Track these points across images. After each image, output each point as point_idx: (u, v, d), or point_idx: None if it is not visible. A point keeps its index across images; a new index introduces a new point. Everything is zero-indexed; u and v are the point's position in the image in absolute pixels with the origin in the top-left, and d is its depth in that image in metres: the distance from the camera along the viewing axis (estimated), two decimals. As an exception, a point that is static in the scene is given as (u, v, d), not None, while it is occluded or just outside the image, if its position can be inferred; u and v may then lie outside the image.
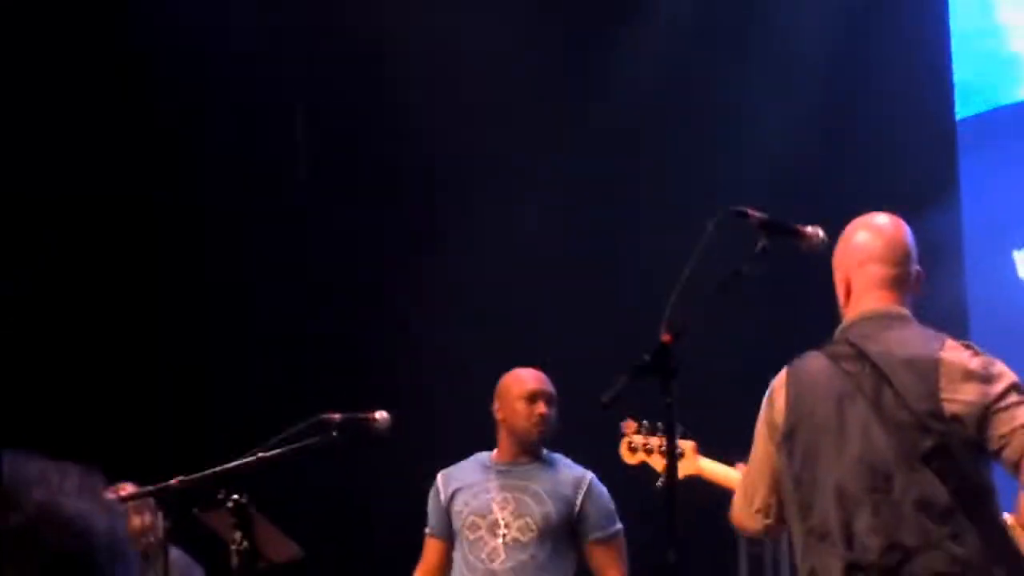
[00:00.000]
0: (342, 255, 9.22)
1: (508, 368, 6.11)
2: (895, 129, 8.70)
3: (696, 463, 4.76)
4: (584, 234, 9.02)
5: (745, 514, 4.43)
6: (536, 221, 8.87)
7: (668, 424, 3.94)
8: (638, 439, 4.97)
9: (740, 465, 4.61)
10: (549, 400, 5.95)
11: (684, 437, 4.66)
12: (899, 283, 4.33)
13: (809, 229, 4.18)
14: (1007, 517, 4.16)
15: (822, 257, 4.31)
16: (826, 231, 4.22)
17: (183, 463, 5.62)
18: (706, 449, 4.80)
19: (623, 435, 5.01)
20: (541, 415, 5.91)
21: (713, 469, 4.76)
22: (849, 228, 4.43)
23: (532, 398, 5.93)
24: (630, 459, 5.00)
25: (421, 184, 9.39)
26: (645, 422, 4.94)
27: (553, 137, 8.91)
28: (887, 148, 8.64)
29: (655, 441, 4.92)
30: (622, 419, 4.92)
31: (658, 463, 4.88)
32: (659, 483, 4.80)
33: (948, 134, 8.98)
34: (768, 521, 4.37)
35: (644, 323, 4.10)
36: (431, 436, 7.46)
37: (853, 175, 8.41)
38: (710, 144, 8.86)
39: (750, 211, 4.11)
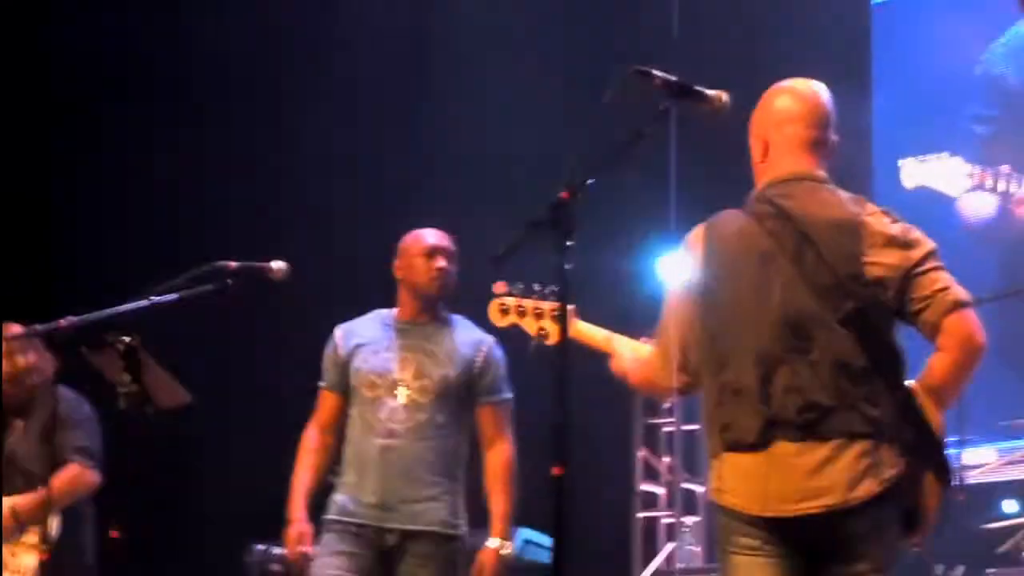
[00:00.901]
0: (240, 107, 9.14)
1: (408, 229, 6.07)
2: (808, 8, 8.68)
3: (574, 326, 4.61)
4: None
5: (663, 372, 4.40)
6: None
7: (562, 280, 3.93)
8: (510, 300, 4.81)
9: (645, 340, 4.59)
10: (449, 256, 5.92)
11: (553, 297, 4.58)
12: (818, 146, 4.34)
13: (712, 92, 4.19)
14: (911, 383, 4.20)
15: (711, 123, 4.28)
16: (733, 106, 4.22)
17: (75, 304, 5.56)
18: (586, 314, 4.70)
19: (495, 296, 4.85)
20: (440, 269, 5.89)
21: (591, 333, 4.65)
22: (769, 91, 4.43)
23: (431, 253, 5.90)
24: (500, 321, 4.86)
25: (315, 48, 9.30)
26: (519, 283, 4.80)
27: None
28: (800, 28, 8.62)
29: (528, 303, 4.79)
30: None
31: (531, 325, 4.78)
32: (531, 347, 4.77)
33: (863, 19, 9.00)
34: (687, 378, 4.36)
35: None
36: (329, 289, 7.45)
37: (765, 49, 8.38)
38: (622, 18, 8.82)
39: (654, 71, 4.10)
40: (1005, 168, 8.07)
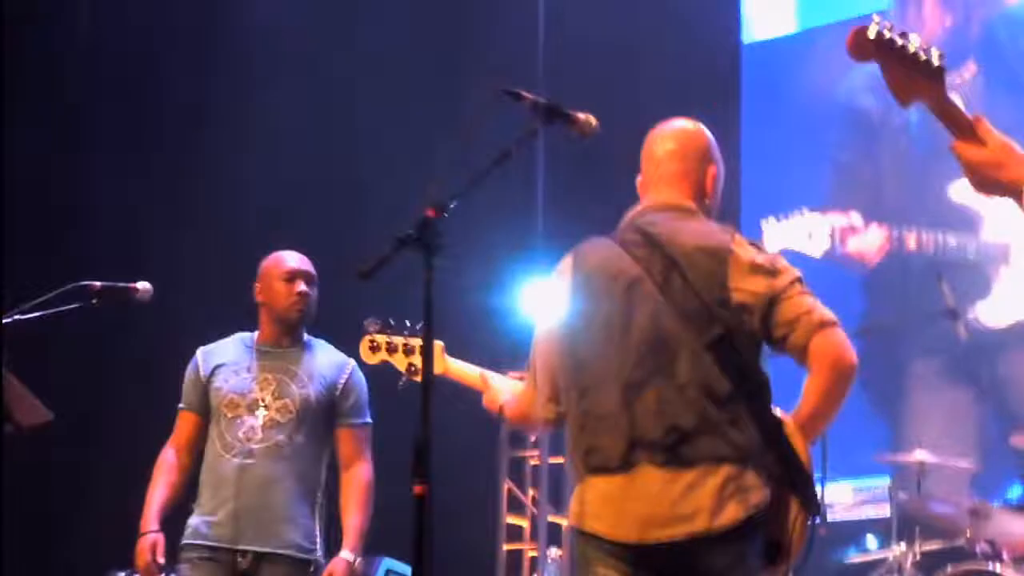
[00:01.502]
0: (116, 132, 9.07)
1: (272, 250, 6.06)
2: (679, 47, 8.77)
3: (443, 362, 4.78)
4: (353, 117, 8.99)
5: (536, 405, 4.43)
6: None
7: (427, 299, 3.94)
8: (380, 338, 4.95)
9: (515, 375, 4.64)
10: (309, 280, 5.91)
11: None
12: (689, 178, 4.39)
13: (581, 115, 4.25)
14: (784, 416, 4.20)
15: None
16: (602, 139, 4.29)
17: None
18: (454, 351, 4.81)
19: (366, 333, 5.00)
20: (301, 293, 5.88)
21: (460, 369, 4.79)
22: (652, 130, 4.50)
23: (291, 278, 5.89)
24: (370, 358, 5.00)
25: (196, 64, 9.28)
26: (391, 320, 4.93)
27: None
28: (671, 67, 8.71)
29: (399, 340, 4.93)
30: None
31: (400, 361, 4.93)
32: (401, 383, 4.85)
33: (733, 58, 9.11)
34: (558, 408, 4.37)
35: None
36: (194, 312, 7.40)
37: (640, 84, 8.46)
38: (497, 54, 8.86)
39: (523, 92, 4.15)
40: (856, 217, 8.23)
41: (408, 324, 4.87)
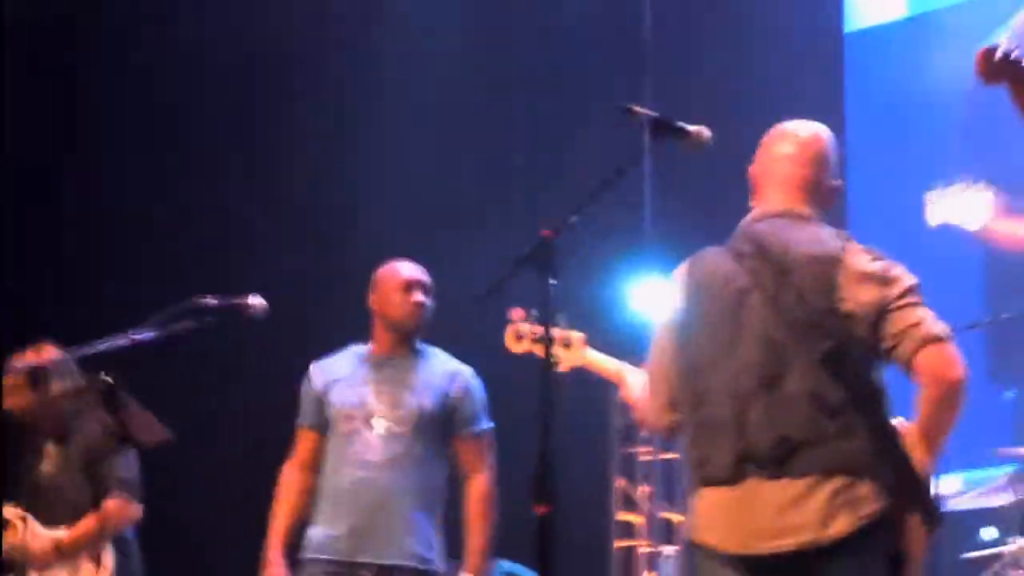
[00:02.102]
0: (220, 142, 9.13)
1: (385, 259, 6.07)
2: (781, 38, 8.71)
3: (583, 354, 4.70)
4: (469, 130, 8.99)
5: (652, 411, 4.42)
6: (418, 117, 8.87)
7: (544, 317, 3.94)
8: (526, 327, 4.80)
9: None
10: (425, 289, 5.92)
11: (571, 328, 4.63)
12: (807, 186, 4.32)
13: (693, 129, 4.22)
14: (903, 423, 4.14)
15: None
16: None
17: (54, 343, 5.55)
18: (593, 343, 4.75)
19: (510, 322, 4.86)
20: (417, 303, 5.88)
21: (601, 361, 4.71)
22: (770, 132, 4.43)
23: (407, 287, 5.89)
24: (516, 347, 4.85)
25: (304, 77, 9.31)
26: (534, 311, 4.78)
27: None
28: (773, 58, 8.66)
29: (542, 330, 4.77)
30: (503, 315, 4.85)
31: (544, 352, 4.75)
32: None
33: (836, 48, 9.04)
34: (674, 416, 4.36)
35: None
36: (307, 325, 7.43)
37: (737, 80, 8.41)
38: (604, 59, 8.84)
39: (634, 107, 4.13)
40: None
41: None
